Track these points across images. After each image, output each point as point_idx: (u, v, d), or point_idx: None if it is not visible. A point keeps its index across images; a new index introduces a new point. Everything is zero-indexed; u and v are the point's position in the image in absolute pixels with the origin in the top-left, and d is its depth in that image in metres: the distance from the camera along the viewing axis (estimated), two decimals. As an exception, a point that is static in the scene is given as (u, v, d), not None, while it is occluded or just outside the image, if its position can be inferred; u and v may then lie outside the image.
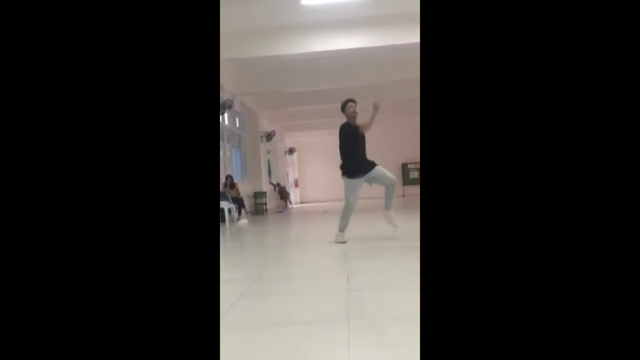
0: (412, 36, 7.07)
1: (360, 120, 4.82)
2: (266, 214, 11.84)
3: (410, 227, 5.01)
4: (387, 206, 4.85)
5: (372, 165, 4.75)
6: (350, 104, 4.80)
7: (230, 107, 9.42)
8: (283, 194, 15.13)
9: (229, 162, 10.82)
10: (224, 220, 8.25)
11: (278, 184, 14.97)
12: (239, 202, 9.42)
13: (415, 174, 17.73)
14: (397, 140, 17.66)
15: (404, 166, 17.94)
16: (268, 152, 14.54)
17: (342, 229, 4.76)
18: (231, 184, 9.47)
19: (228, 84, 9.58)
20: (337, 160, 4.92)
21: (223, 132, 10.31)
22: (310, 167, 19.03)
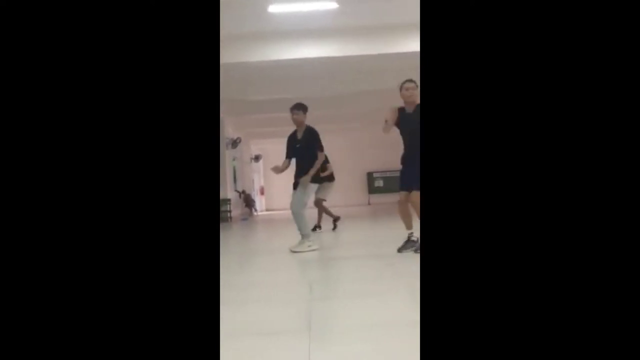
0: (377, 47, 7.17)
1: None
2: (230, 221, 11.71)
3: (374, 235, 5.05)
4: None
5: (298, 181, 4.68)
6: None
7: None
8: (248, 202, 15.00)
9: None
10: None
11: (243, 192, 14.84)
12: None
13: (380, 183, 17.91)
14: (361, 150, 17.82)
15: (369, 175, 18.11)
16: (233, 159, 14.41)
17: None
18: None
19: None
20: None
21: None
22: (277, 175, 18.96)
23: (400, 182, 4.04)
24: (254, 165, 18.21)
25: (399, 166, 4.11)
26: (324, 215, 6.77)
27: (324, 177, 5.99)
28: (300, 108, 4.69)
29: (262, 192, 19.08)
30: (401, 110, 4.05)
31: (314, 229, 6.44)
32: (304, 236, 4.64)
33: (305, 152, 4.69)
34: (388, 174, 16.74)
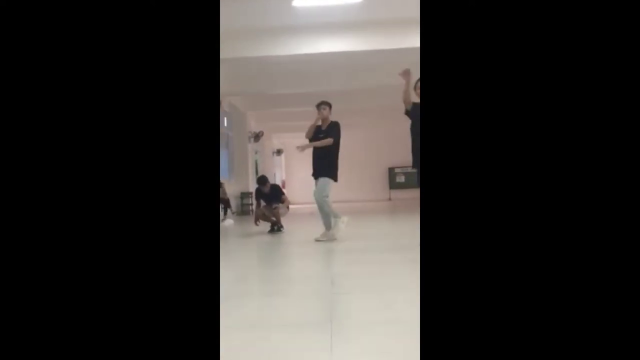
0: (402, 41, 7.10)
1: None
2: (252, 214, 11.80)
3: (394, 230, 5.03)
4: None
5: None
6: (323, 106, 5.05)
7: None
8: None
9: (216, 162, 10.74)
10: (209, 220, 8.20)
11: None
12: (225, 202, 9.38)
13: (401, 178, 17.78)
14: (383, 145, 17.74)
15: (391, 170, 18.01)
16: (256, 153, 14.48)
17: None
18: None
19: (217, 84, 9.51)
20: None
21: (211, 132, 10.24)
22: (298, 169, 19.00)
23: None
24: (276, 159, 18.29)
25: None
26: (275, 218, 6.49)
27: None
28: (326, 104, 5.09)
29: (283, 186, 19.17)
30: (414, 105, 4.20)
31: (278, 229, 6.36)
32: (335, 217, 4.92)
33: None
34: (409, 170, 16.59)
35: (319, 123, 5.09)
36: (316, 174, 5.02)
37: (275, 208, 6.43)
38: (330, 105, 5.10)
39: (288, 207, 6.60)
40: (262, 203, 6.48)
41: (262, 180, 6.55)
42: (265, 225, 6.56)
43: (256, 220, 6.48)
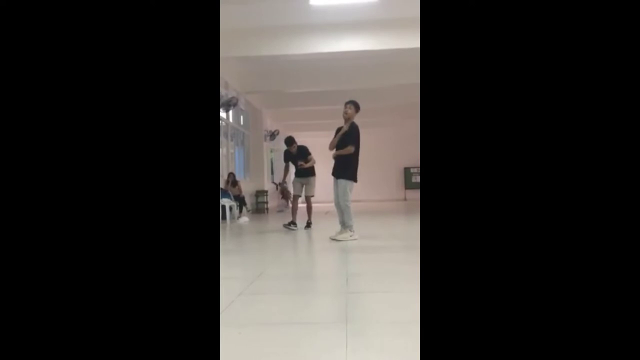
0: (418, 40, 7.07)
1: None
2: (267, 212, 11.84)
3: (410, 230, 5.02)
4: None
5: None
6: (349, 105, 5.14)
7: (235, 104, 9.44)
8: (285, 194, 15.11)
9: (232, 160, 10.83)
10: (224, 218, 8.27)
11: (280, 183, 14.95)
12: (240, 200, 9.43)
13: (417, 178, 17.68)
14: (399, 145, 17.66)
15: (407, 170, 17.93)
16: (271, 151, 14.53)
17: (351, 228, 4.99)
18: (233, 182, 9.48)
19: (234, 82, 9.59)
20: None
21: (227, 130, 10.31)
22: (315, 167, 19.01)
23: None
24: (291, 158, 18.27)
25: None
26: (296, 210, 6.46)
27: (311, 171, 6.41)
28: (353, 103, 5.13)
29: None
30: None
31: (294, 225, 6.30)
32: (348, 227, 4.92)
33: (342, 144, 5.10)
34: (425, 170, 16.45)
35: (345, 120, 5.15)
36: (335, 174, 5.07)
37: (309, 207, 6.47)
38: (356, 105, 5.12)
39: (314, 172, 6.54)
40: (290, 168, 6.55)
41: (289, 141, 6.61)
42: (279, 222, 6.57)
43: (280, 184, 6.53)
